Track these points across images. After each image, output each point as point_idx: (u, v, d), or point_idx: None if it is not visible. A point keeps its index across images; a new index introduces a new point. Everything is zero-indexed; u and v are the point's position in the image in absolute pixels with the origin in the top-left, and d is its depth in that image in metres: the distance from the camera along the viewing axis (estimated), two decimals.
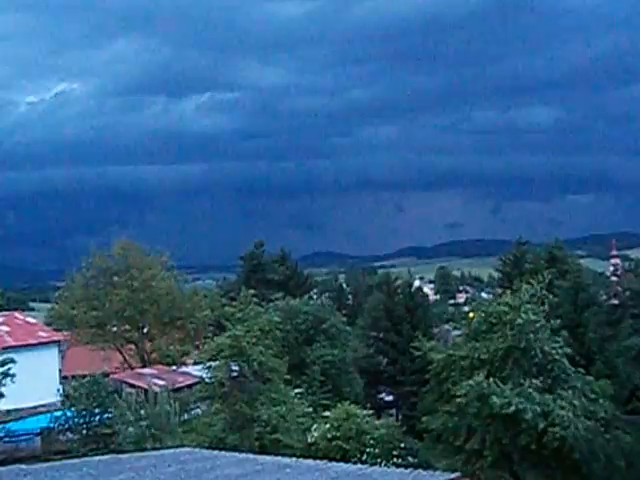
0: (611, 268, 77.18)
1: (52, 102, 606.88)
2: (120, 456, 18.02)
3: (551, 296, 30.02)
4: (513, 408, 24.86)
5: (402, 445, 28.43)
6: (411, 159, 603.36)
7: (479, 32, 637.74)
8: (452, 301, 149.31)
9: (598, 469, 27.03)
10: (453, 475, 12.70)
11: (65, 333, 42.79)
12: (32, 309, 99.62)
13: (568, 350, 28.52)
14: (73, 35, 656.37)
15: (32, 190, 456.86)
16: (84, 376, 27.05)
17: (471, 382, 25.72)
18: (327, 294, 69.82)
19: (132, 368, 43.01)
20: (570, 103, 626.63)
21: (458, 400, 26.07)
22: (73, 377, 29.80)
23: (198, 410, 31.04)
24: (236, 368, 27.13)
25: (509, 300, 28.50)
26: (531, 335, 26.87)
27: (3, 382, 26.08)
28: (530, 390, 25.66)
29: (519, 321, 26.86)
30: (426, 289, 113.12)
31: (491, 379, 25.95)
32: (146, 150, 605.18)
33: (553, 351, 27.42)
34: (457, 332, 38.06)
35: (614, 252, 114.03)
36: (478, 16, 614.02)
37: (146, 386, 32.57)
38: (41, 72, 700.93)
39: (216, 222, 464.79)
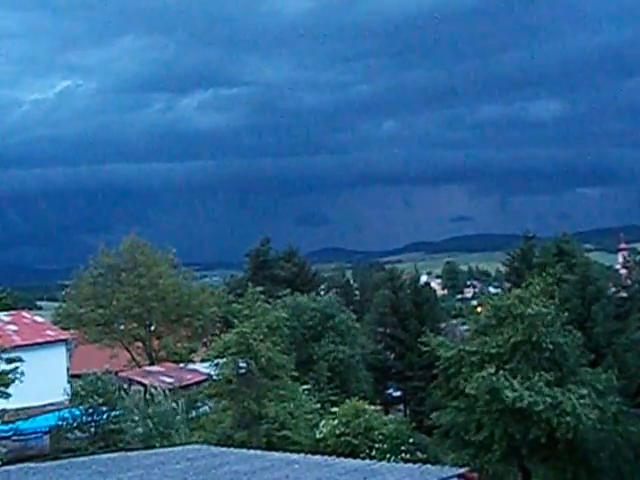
0: (620, 261, 76.79)
1: (56, 100, 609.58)
2: (128, 454, 18.05)
3: (560, 290, 29.89)
4: (526, 402, 24.73)
5: (411, 440, 28.34)
6: (416, 153, 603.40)
7: (483, 25, 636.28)
8: (460, 296, 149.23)
9: (607, 461, 26.93)
10: (462, 470, 12.62)
11: (73, 332, 42.86)
12: (39, 308, 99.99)
13: (579, 343, 28.42)
14: (77, 33, 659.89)
15: (36, 188, 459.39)
16: (92, 374, 27.04)
17: (483, 374, 25.61)
18: (334, 290, 69.79)
19: (140, 366, 43.07)
20: (577, 95, 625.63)
21: (468, 391, 25.96)
22: (78, 376, 29.82)
23: (206, 407, 31.05)
24: (244, 365, 27.09)
25: (519, 293, 28.39)
26: (541, 328, 26.75)
27: (8, 382, 26.11)
28: (540, 384, 25.53)
29: (529, 311, 26.75)
30: (433, 284, 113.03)
31: (501, 372, 25.84)
32: (151, 147, 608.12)
33: (564, 345, 27.31)
34: (465, 327, 37.94)
35: (622, 245, 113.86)
36: (482, 9, 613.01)
37: (154, 383, 32.62)
38: (45, 70, 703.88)
39: (222, 219, 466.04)
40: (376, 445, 27.01)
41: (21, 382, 26.47)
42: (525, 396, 24.89)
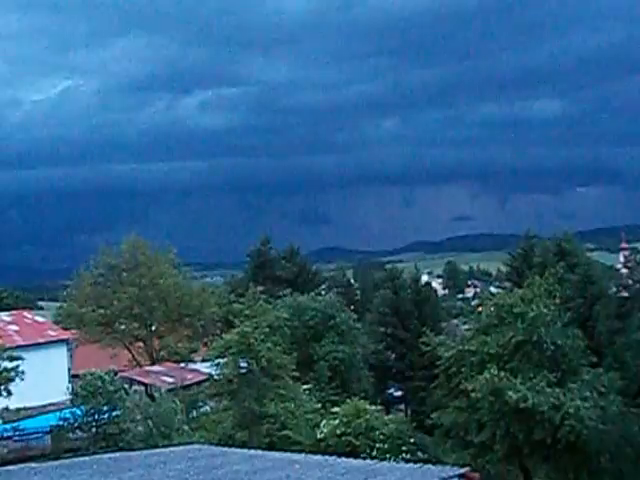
0: (621, 260, 76.69)
1: (57, 100, 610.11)
2: (130, 453, 18.10)
3: (561, 289, 29.87)
4: (530, 402, 24.71)
5: (411, 440, 28.30)
6: (417, 153, 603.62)
7: (484, 25, 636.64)
8: (460, 295, 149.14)
9: (608, 461, 26.92)
10: (462, 470, 12.62)
11: (74, 331, 42.91)
12: (41, 308, 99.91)
13: (581, 344, 28.41)
14: (78, 33, 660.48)
15: (37, 188, 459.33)
16: (92, 374, 27.04)
17: (486, 375, 25.57)
18: (335, 290, 69.74)
19: (141, 365, 43.11)
20: (577, 94, 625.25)
21: (472, 395, 25.93)
22: (77, 376, 29.85)
23: (207, 407, 31.07)
24: (244, 365, 27.11)
25: (521, 293, 28.37)
26: (542, 328, 26.73)
27: (12, 378, 26.17)
28: (542, 384, 25.52)
29: (531, 314, 26.72)
30: (434, 284, 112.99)
31: (502, 373, 25.80)
32: (151, 147, 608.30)
33: (565, 345, 27.29)
34: (466, 327, 37.90)
35: (624, 244, 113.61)
36: (482, 9, 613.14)
37: (155, 383, 32.66)
38: (46, 70, 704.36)
39: (223, 219, 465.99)
40: (377, 445, 26.96)
41: (22, 380, 26.51)
42: (529, 396, 24.87)
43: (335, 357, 37.74)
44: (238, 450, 17.43)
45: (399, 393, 52.37)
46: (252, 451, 16.99)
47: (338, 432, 27.45)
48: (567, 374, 27.31)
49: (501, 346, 27.15)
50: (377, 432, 27.52)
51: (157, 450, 18.46)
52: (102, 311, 44.13)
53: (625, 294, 41.84)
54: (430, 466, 13.28)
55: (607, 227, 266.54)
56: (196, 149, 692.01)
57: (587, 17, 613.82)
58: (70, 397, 28.45)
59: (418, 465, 13.71)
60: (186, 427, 25.92)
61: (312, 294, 42.62)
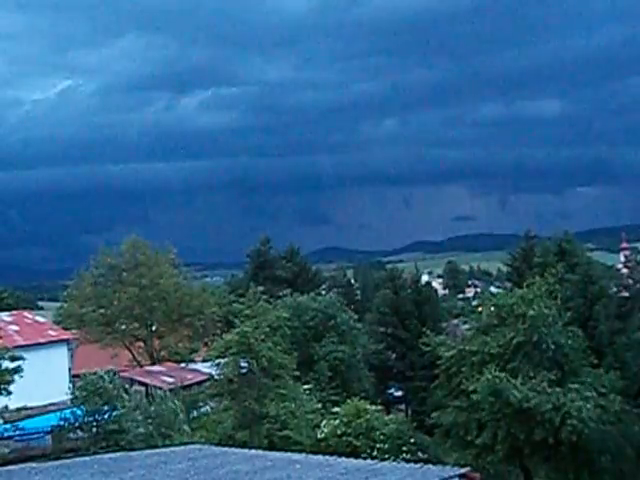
0: (621, 260, 76.64)
1: (57, 100, 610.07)
2: (130, 453, 18.08)
3: (562, 289, 29.89)
4: (533, 402, 24.70)
5: (412, 440, 28.31)
6: (417, 153, 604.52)
7: (483, 24, 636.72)
8: (461, 295, 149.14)
9: (609, 461, 26.92)
10: (463, 470, 12.62)
11: (74, 332, 42.93)
12: (41, 308, 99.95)
13: (582, 344, 28.42)
14: (78, 33, 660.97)
15: (37, 188, 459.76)
16: (93, 374, 27.07)
17: (488, 376, 25.56)
18: (335, 290, 69.75)
19: (141, 366, 43.13)
20: (577, 94, 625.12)
21: (473, 395, 25.92)
22: (77, 376, 29.86)
23: (207, 407, 31.07)
24: (245, 365, 27.10)
25: (522, 293, 28.39)
26: (543, 328, 26.73)
27: (11, 380, 26.19)
28: (543, 384, 25.52)
29: (531, 313, 26.73)
30: (435, 284, 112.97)
31: (503, 373, 25.81)
32: (151, 147, 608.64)
33: (565, 345, 27.28)
34: (466, 326, 37.91)
35: (624, 244, 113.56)
36: (482, 8, 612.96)
37: (155, 383, 32.66)
38: (46, 70, 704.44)
39: (223, 219, 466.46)
40: (377, 445, 26.98)
41: (21, 377, 26.52)
42: (530, 397, 24.88)
43: (335, 357, 37.75)
44: (238, 450, 17.42)
45: (399, 393, 52.36)
46: (252, 451, 16.98)
47: (338, 432, 27.47)
48: (568, 374, 27.32)
49: (502, 346, 27.16)
50: (377, 432, 27.53)
51: (158, 450, 18.45)
52: (102, 311, 44.16)
53: (625, 294, 41.78)
54: (430, 466, 13.28)
55: (607, 227, 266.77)
56: (196, 149, 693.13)
57: (587, 17, 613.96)
58: (71, 397, 28.46)
59: (418, 465, 13.70)
60: (186, 427, 25.94)
61: (312, 294, 42.63)
